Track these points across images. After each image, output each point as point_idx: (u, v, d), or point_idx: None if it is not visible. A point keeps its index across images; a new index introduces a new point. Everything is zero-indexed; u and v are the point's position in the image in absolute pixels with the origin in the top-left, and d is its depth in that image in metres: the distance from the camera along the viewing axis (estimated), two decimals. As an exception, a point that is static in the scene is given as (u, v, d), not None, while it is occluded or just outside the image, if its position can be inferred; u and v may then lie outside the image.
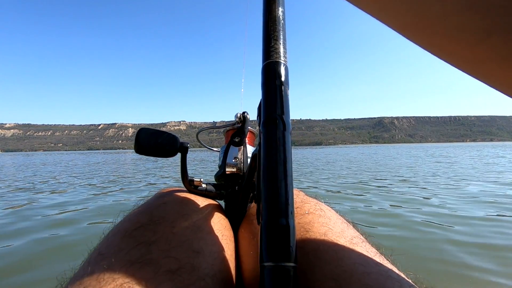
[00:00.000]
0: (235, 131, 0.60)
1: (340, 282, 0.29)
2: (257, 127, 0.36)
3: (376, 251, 0.36)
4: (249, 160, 0.50)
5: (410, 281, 0.30)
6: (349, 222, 0.44)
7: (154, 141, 0.42)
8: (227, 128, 0.65)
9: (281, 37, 0.34)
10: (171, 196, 0.45)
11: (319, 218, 0.40)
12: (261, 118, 0.32)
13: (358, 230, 0.41)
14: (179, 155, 0.46)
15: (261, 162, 0.29)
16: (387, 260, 0.34)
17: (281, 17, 0.35)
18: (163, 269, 0.30)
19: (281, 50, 0.34)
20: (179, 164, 0.47)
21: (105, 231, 0.39)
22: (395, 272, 0.31)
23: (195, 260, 0.33)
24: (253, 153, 0.44)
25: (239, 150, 0.60)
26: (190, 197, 0.46)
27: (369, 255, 0.33)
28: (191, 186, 0.49)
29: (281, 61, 0.33)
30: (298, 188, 0.49)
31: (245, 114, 0.60)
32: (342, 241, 0.35)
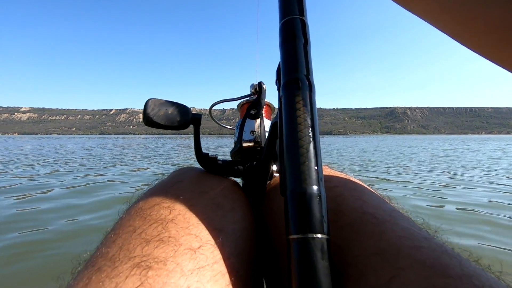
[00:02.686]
0: (251, 103, 0.57)
1: (386, 257, 0.26)
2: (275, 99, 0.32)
3: (420, 226, 0.32)
4: (267, 134, 0.46)
5: (467, 259, 0.26)
6: (384, 196, 0.40)
7: (164, 112, 0.39)
8: (242, 101, 0.62)
9: None
10: (187, 175, 0.43)
11: (351, 191, 0.37)
12: (281, 81, 0.29)
13: (394, 204, 0.38)
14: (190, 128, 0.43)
15: (283, 128, 0.27)
16: (435, 235, 0.30)
17: None
18: (184, 247, 0.28)
19: (301, 5, 0.31)
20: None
21: (120, 212, 0.37)
22: (449, 247, 0.27)
23: (217, 239, 0.31)
24: (272, 122, 0.41)
25: (256, 123, 0.56)
26: (207, 174, 0.45)
27: (414, 229, 0.29)
28: (205, 161, 0.46)
29: (301, 17, 0.30)
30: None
31: (261, 84, 0.56)
32: (381, 214, 0.32)
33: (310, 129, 0.25)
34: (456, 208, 2.39)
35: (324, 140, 31.82)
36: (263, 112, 0.57)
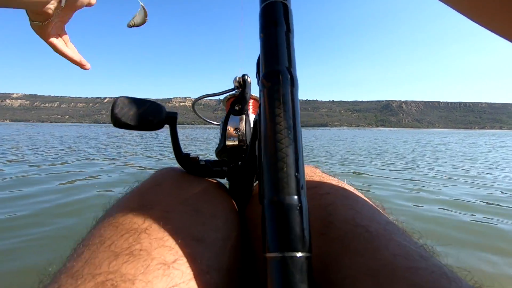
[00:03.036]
0: (235, 98, 0.52)
1: (380, 280, 0.23)
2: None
3: (416, 240, 0.29)
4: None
5: (467, 282, 0.24)
6: (377, 205, 0.37)
7: (134, 112, 0.35)
8: (227, 96, 0.57)
9: None
10: (166, 177, 0.40)
11: (343, 200, 0.34)
12: (260, 73, 0.26)
13: (389, 215, 0.35)
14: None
15: (261, 127, 0.24)
16: (432, 252, 0.28)
17: None
18: (156, 262, 0.25)
19: None
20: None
21: (96, 219, 0.34)
22: (448, 269, 0.25)
23: (196, 250, 0.28)
24: (254, 119, 0.38)
25: (241, 120, 0.52)
26: (188, 176, 0.41)
27: (411, 246, 0.27)
28: (186, 163, 0.42)
29: (284, 1, 0.27)
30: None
31: (245, 77, 0.51)
32: (375, 227, 0.29)
33: (291, 129, 0.22)
34: (413, 205, 2.45)
35: (317, 132, 31.99)
36: (249, 107, 0.53)
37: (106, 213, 0.33)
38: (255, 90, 0.53)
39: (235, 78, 0.52)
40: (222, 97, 0.59)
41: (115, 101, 0.34)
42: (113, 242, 0.26)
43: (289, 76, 0.24)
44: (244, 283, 0.34)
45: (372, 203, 0.36)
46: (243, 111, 0.52)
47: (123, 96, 0.35)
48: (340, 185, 0.38)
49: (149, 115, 0.36)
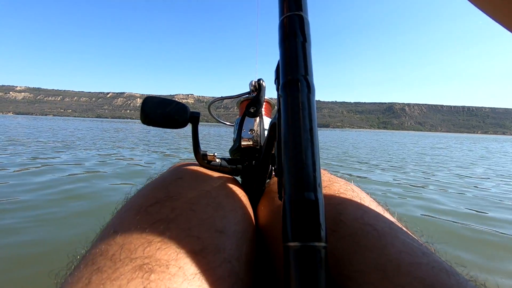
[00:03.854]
0: (250, 101, 0.55)
1: (388, 274, 0.25)
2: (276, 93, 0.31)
3: (418, 238, 0.32)
4: (266, 132, 0.47)
5: (464, 276, 0.26)
6: (382, 205, 0.39)
7: (162, 111, 0.38)
8: (241, 98, 0.61)
9: None
10: (187, 171, 0.42)
11: (352, 200, 0.37)
12: (279, 80, 0.28)
13: (393, 215, 0.37)
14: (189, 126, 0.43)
15: (281, 131, 0.26)
16: (433, 250, 0.30)
17: None
18: (186, 250, 0.27)
19: (301, 1, 0.30)
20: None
21: (118, 206, 0.36)
22: (447, 264, 0.27)
23: (219, 241, 0.31)
24: (271, 122, 0.41)
25: (255, 121, 0.55)
26: (206, 172, 0.44)
27: (414, 243, 0.29)
28: (204, 160, 0.46)
29: (301, 14, 0.29)
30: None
31: (261, 81, 0.54)
32: (381, 225, 0.31)
33: (309, 133, 0.24)
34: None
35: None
36: (262, 109, 0.56)
37: (130, 201, 0.35)
38: (268, 92, 0.56)
39: (251, 82, 0.55)
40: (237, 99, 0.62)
41: (144, 101, 0.38)
42: (144, 230, 0.28)
43: (306, 84, 0.26)
44: (258, 270, 0.37)
45: (377, 203, 0.38)
46: (257, 113, 0.55)
47: (151, 96, 0.38)
48: (347, 186, 0.41)
49: (175, 114, 0.39)
